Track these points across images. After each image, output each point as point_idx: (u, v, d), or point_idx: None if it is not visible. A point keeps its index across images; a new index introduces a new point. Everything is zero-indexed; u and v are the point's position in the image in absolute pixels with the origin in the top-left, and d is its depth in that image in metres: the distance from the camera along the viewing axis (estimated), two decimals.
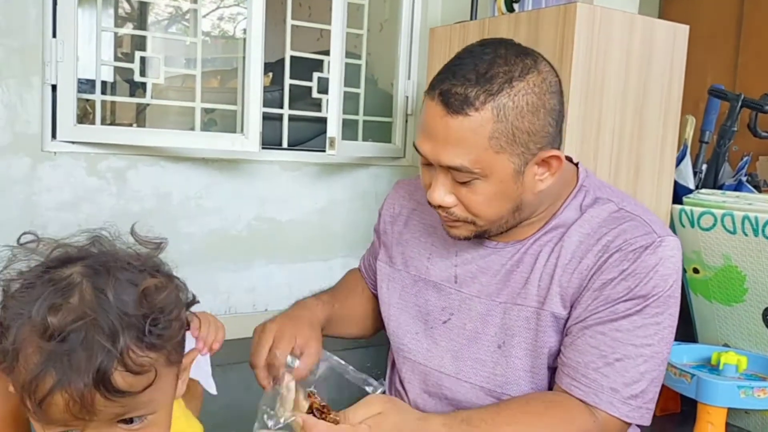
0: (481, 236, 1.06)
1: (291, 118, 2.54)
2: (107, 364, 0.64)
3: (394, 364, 1.24)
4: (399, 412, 0.94)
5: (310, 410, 0.94)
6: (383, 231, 1.26)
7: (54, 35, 2.04)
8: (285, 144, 2.56)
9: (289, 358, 1.04)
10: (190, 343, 1.08)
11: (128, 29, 4.52)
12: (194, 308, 0.84)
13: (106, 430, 0.68)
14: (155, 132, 2.33)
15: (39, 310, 0.65)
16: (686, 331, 2.25)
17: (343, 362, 1.06)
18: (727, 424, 1.85)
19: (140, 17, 4.54)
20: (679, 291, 1.04)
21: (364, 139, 2.71)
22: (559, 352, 1.04)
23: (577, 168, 1.12)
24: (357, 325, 1.30)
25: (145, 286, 0.70)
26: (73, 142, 2.15)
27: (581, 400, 0.99)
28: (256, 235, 2.59)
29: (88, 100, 2.37)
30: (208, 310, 2.83)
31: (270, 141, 2.51)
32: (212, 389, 1.06)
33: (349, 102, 2.57)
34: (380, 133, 2.82)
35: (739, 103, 2.32)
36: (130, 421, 0.69)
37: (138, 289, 0.69)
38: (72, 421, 0.66)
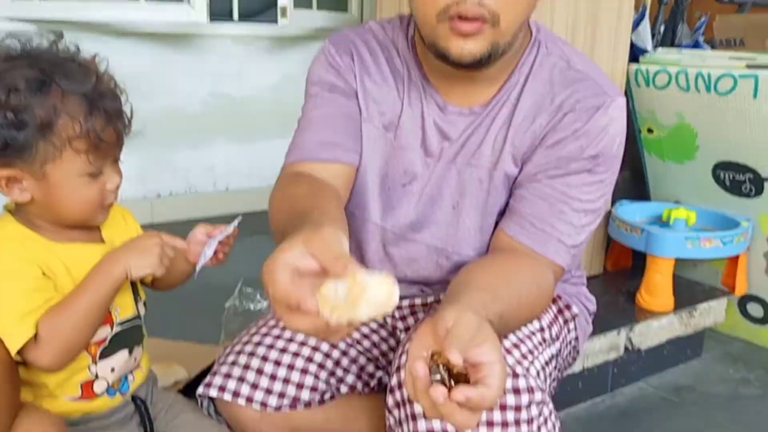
0: (487, 61, 1.00)
1: None
2: (120, 107, 0.96)
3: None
4: (493, 338, 0.79)
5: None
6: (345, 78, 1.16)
7: None
8: (235, 16, 2.46)
9: None
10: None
11: None
12: None
13: (111, 165, 0.97)
14: (95, 5, 2.21)
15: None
16: (639, 189, 2.32)
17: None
18: (677, 276, 1.96)
19: None
20: (622, 151, 1.07)
21: (319, 8, 2.62)
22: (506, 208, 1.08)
23: (529, 25, 1.10)
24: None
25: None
26: (11, 19, 2.03)
27: (528, 248, 1.03)
28: (211, 112, 2.54)
29: None
30: (167, 191, 2.81)
31: (220, 12, 2.41)
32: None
33: None
34: (335, 1, 2.72)
35: None
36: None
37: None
38: (112, 151, 0.96)
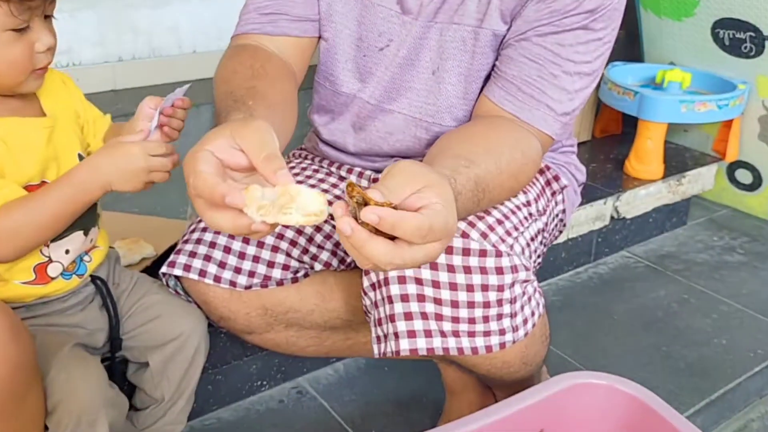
0: None
1: None
2: None
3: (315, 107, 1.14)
4: (437, 183, 0.69)
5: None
6: None
7: None
8: None
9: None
10: None
11: None
12: None
13: (41, 22, 0.86)
14: None
15: None
16: (632, 50, 2.19)
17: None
18: (666, 142, 1.88)
19: None
20: (624, 3, 0.95)
21: None
22: None
23: None
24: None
25: None
26: None
27: (514, 115, 0.94)
28: None
29: None
30: (130, 54, 2.63)
31: None
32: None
33: None
34: None
35: None
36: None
37: None
38: (40, 3, 0.83)
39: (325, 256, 1.06)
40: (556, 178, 1.11)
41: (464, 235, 0.87)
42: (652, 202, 1.83)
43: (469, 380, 1.17)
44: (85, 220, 0.96)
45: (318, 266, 1.05)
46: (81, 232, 0.96)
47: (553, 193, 1.11)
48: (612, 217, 1.76)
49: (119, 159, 0.87)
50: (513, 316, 0.91)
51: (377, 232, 0.63)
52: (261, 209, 0.63)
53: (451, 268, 0.87)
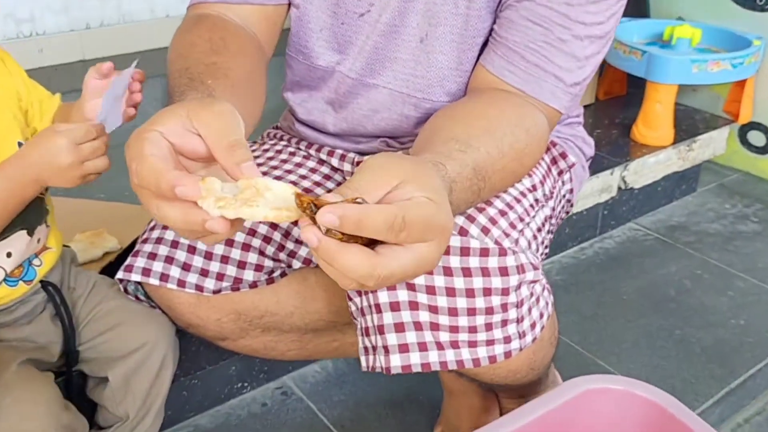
0: None
1: None
2: None
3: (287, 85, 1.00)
4: (419, 175, 0.57)
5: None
6: None
7: None
8: None
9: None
10: None
11: None
12: None
13: None
14: None
15: None
16: (638, 5, 2.04)
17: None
18: (675, 104, 1.75)
19: None
20: None
21: None
22: None
23: None
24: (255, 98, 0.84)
25: None
26: None
27: (517, 89, 0.81)
28: None
29: None
30: (98, 21, 2.46)
31: None
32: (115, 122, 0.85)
33: None
34: None
35: None
36: None
37: None
38: None
39: (304, 252, 0.93)
40: (563, 156, 0.98)
41: (462, 231, 0.75)
42: (661, 170, 1.71)
43: (470, 382, 1.06)
44: (29, 217, 0.84)
45: (297, 264, 0.93)
46: (24, 232, 0.84)
47: (560, 173, 0.98)
48: (619, 188, 1.64)
49: (46, 152, 0.75)
50: (519, 321, 0.79)
51: (352, 240, 0.51)
52: (220, 201, 0.51)
53: (447, 271, 0.75)
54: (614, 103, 1.94)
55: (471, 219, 0.76)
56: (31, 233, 0.85)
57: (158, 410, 0.97)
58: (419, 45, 0.87)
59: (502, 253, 0.75)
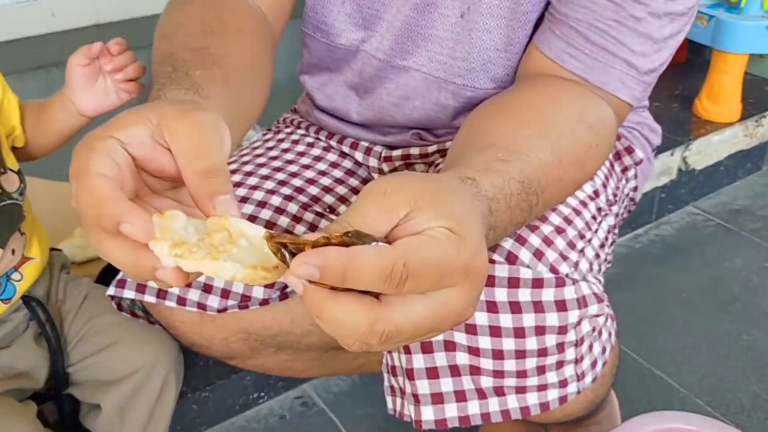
0: None
1: None
2: None
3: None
4: (435, 199, 0.43)
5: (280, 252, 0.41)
6: None
7: None
8: None
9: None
10: None
11: None
12: None
13: None
14: None
15: None
16: None
17: None
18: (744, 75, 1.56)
19: None
20: None
21: None
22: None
23: None
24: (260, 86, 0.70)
25: None
26: None
27: (579, 76, 0.66)
28: None
29: None
30: None
31: None
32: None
33: None
34: None
35: None
36: None
37: None
38: None
39: None
40: (629, 151, 0.83)
41: (510, 258, 0.61)
42: (725, 149, 1.53)
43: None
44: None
45: None
46: None
47: (624, 170, 0.84)
48: (679, 170, 1.47)
49: None
50: (578, 361, 0.66)
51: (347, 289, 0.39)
52: (177, 248, 0.39)
53: (492, 306, 0.61)
54: (673, 72, 1.74)
55: (521, 241, 0.62)
56: (2, 245, 0.73)
57: None
58: (459, 21, 0.72)
59: (560, 283, 0.61)
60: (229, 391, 1.05)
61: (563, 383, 0.65)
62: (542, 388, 0.65)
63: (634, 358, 1.18)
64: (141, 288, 0.77)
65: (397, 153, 0.83)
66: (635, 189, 0.89)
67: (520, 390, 0.64)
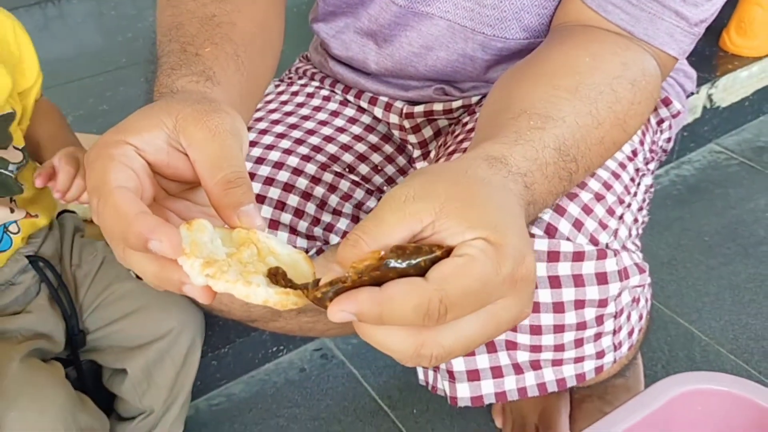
0: None
1: None
2: None
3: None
4: (465, 203, 0.40)
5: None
6: None
7: None
8: None
9: None
10: None
11: None
12: None
13: None
14: None
15: None
16: None
17: None
18: None
19: None
20: None
21: None
22: None
23: None
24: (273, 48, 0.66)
25: None
26: None
27: (623, 29, 0.61)
28: None
29: None
30: None
31: None
32: None
33: None
34: None
35: None
36: None
37: None
38: None
39: (343, 224, 0.77)
40: (666, 103, 0.79)
41: (549, 230, 0.58)
42: (753, 85, 1.47)
43: None
44: None
45: (335, 239, 0.77)
46: None
47: (660, 122, 0.79)
48: (704, 108, 1.42)
49: None
50: (617, 331, 0.64)
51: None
52: (208, 267, 0.37)
53: None
54: None
55: (560, 211, 0.59)
56: None
57: (185, 399, 0.86)
58: None
59: (601, 255, 0.58)
60: (249, 346, 1.04)
61: (600, 354, 0.63)
62: (579, 360, 0.63)
63: (655, 304, 1.16)
64: None
65: (419, 109, 0.78)
66: (669, 140, 0.85)
67: (557, 363, 0.62)
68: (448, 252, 0.37)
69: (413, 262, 0.36)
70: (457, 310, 0.36)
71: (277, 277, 0.38)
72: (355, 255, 0.37)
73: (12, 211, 0.73)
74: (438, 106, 0.77)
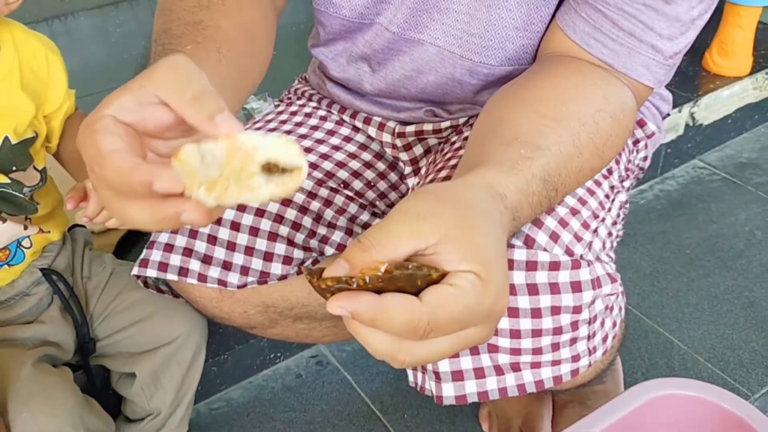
0: None
1: None
2: None
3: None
4: (465, 233, 0.45)
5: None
6: None
7: None
8: None
9: None
10: None
11: None
12: None
13: None
14: None
15: None
16: None
17: None
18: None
19: None
20: None
21: None
22: None
23: None
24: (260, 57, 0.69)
25: None
26: None
27: (603, 62, 0.66)
28: None
29: None
30: None
31: None
32: None
33: None
34: None
35: None
36: None
37: None
38: None
39: (338, 236, 0.82)
40: (641, 124, 0.84)
41: (528, 241, 0.63)
42: (734, 104, 1.53)
43: None
44: None
45: (330, 250, 0.82)
46: None
47: (636, 142, 0.85)
48: (686, 125, 1.47)
49: None
50: (591, 337, 0.68)
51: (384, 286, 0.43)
52: (212, 188, 0.41)
53: (511, 289, 0.63)
54: None
55: (538, 224, 0.64)
56: (1, 219, 0.75)
57: (189, 401, 0.91)
58: None
59: (576, 265, 0.63)
60: (248, 353, 1.09)
61: (576, 358, 0.68)
62: (556, 363, 0.67)
63: (637, 315, 1.21)
64: (163, 267, 0.79)
65: (410, 129, 0.83)
66: (645, 159, 0.90)
67: (535, 365, 0.67)
68: (442, 275, 0.43)
69: (412, 278, 0.42)
70: (440, 331, 0.42)
71: (271, 169, 0.41)
72: (363, 258, 0.42)
73: (26, 227, 0.77)
74: (428, 126, 0.82)
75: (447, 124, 0.82)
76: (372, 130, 0.86)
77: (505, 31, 0.72)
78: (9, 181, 0.72)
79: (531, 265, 0.63)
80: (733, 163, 1.59)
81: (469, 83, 0.77)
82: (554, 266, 0.63)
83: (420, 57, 0.78)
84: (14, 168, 0.72)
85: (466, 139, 0.74)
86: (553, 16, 0.71)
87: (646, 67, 0.66)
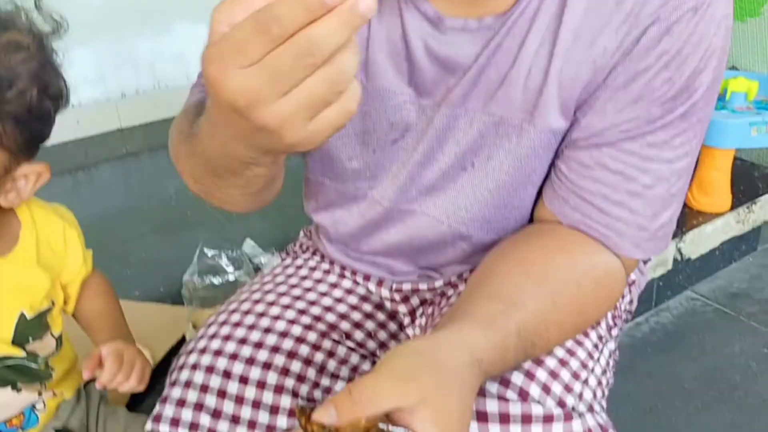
0: None
1: None
2: None
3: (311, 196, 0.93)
4: (439, 402, 0.51)
5: None
6: None
7: None
8: None
9: None
10: None
11: None
12: None
13: None
14: None
15: None
16: None
17: None
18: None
19: None
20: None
21: None
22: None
23: None
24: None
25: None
26: None
27: (598, 240, 0.72)
28: None
29: None
30: (133, 89, 2.42)
31: None
32: None
33: None
34: None
35: None
36: None
37: None
38: None
39: (340, 387, 0.86)
40: None
41: (522, 394, 0.67)
42: (719, 237, 1.60)
43: None
44: (9, 375, 0.78)
45: None
46: (7, 388, 0.78)
47: None
48: (675, 260, 1.53)
49: None
50: None
51: None
52: None
53: None
54: None
55: (530, 376, 0.69)
56: (16, 389, 0.79)
57: None
58: (462, 173, 0.79)
59: (568, 418, 0.67)
60: None
61: None
62: None
63: None
64: (175, 423, 0.82)
65: (407, 287, 0.89)
66: (631, 302, 0.95)
67: None
68: None
69: None
70: None
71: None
72: (350, 411, 0.48)
73: (40, 393, 0.81)
74: (423, 285, 0.88)
75: (440, 282, 0.88)
76: (371, 286, 0.92)
77: (487, 209, 0.78)
78: (25, 354, 0.77)
79: (526, 419, 0.66)
80: (724, 294, 1.64)
81: (461, 246, 0.84)
82: (548, 419, 0.66)
83: (413, 224, 0.83)
84: (30, 339, 0.77)
85: (459, 294, 0.80)
86: (538, 194, 0.77)
87: (635, 245, 0.71)
